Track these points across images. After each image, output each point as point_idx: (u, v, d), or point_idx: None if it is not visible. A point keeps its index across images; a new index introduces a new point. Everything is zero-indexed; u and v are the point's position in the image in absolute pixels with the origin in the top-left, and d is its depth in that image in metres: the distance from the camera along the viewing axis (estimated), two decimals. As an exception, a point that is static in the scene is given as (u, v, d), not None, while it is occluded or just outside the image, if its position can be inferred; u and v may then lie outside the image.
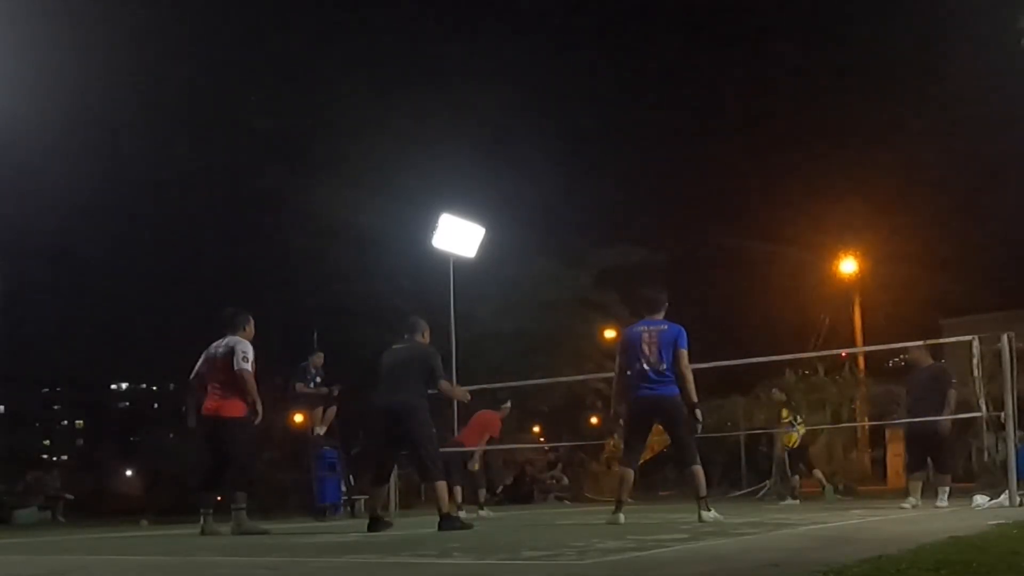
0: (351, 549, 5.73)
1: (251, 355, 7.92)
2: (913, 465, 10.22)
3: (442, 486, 7.44)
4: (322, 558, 5.21)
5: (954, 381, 9.76)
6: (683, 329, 7.55)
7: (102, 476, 31.13)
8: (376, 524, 7.46)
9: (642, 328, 7.60)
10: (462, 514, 11.83)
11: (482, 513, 11.92)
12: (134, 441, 48.32)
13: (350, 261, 21.37)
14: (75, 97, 22.24)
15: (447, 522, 7.28)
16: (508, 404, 12.96)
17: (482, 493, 12.43)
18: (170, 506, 16.10)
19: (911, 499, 9.70)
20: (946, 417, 9.58)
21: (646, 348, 7.45)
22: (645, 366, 7.44)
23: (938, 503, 9.56)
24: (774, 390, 14.88)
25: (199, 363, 8.14)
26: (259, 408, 7.86)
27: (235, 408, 7.85)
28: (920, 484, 9.94)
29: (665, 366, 7.41)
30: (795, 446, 13.89)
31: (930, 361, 10.23)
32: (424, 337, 7.97)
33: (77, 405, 76.09)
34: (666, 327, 7.54)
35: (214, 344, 8.07)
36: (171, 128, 25.95)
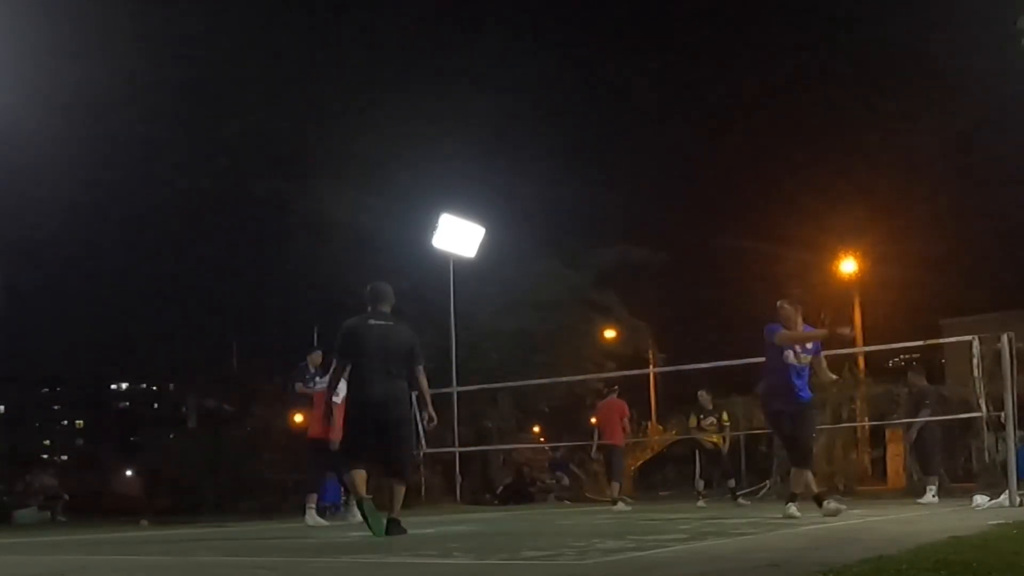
0: (351, 549, 5.73)
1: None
2: (925, 469, 12.09)
3: (402, 489, 6.68)
4: (322, 558, 5.21)
5: (928, 401, 12.02)
6: None
7: (102, 476, 31.08)
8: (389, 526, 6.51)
9: None
10: (621, 505, 12.23)
11: (621, 505, 12.24)
12: (134, 441, 48.30)
13: (350, 261, 21.34)
14: (75, 98, 22.26)
15: (397, 526, 6.49)
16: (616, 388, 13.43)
17: (615, 486, 12.84)
18: (170, 506, 16.09)
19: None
20: (917, 421, 11.89)
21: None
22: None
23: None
24: (700, 392, 14.46)
25: None
26: None
27: None
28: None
29: None
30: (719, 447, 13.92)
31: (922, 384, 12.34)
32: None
33: (77, 405, 76.00)
34: None
35: None
36: (171, 129, 25.98)
